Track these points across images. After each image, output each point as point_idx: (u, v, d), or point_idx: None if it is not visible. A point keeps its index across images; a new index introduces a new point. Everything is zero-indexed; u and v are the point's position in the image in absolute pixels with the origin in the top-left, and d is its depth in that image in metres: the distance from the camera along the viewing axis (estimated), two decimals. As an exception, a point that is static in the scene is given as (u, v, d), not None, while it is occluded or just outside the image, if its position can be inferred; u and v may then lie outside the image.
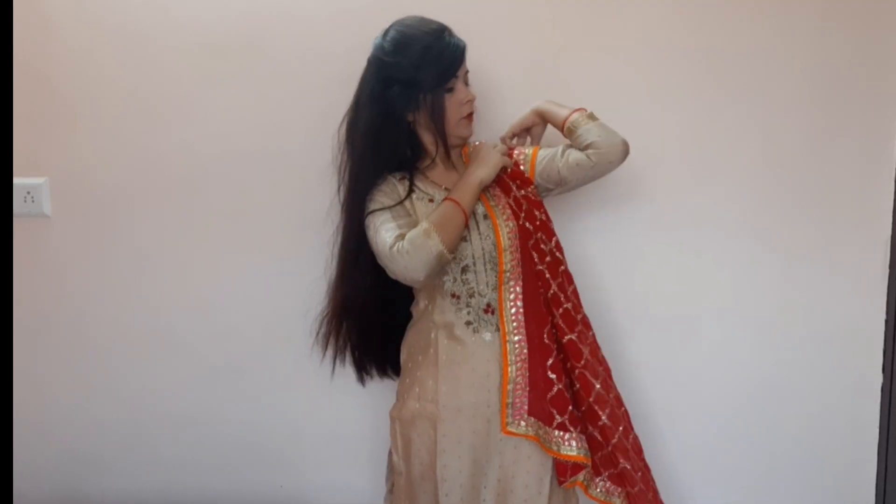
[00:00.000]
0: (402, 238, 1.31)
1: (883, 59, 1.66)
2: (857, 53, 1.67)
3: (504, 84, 1.69)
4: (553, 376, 1.39)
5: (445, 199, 1.37)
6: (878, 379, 1.78)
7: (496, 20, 1.68)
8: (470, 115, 1.43)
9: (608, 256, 1.76)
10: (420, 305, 1.48)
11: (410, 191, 1.43)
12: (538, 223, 1.44)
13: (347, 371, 1.69)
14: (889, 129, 1.69)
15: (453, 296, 1.42)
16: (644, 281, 1.77)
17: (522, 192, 1.45)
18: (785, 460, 1.82)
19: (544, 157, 1.48)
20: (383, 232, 1.35)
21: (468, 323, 1.42)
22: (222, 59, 1.73)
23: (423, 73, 1.35)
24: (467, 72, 1.42)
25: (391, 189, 1.43)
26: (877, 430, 1.80)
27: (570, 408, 1.39)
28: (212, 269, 1.82)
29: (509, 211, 1.43)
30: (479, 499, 1.43)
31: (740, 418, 1.81)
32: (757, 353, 1.79)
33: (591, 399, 1.41)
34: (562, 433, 1.38)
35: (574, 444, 1.38)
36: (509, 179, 1.46)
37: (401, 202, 1.41)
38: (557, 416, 1.38)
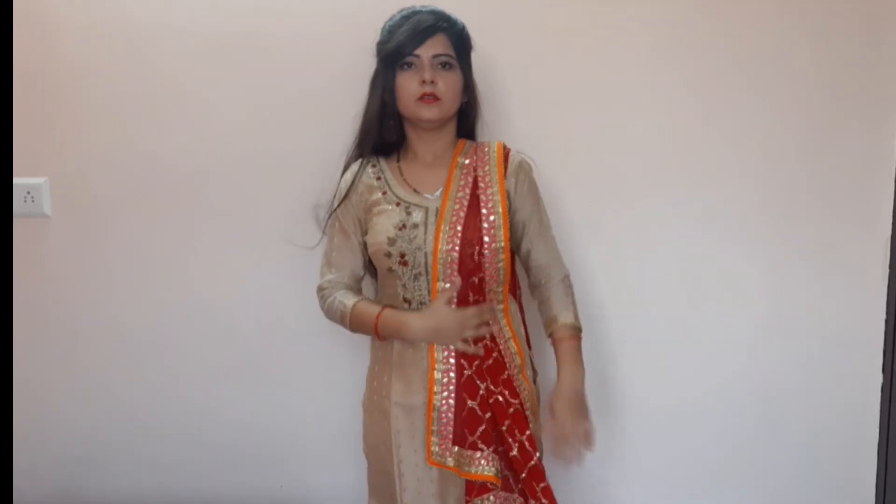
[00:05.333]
0: (331, 291, 1.45)
1: (883, 60, 1.66)
2: (858, 53, 1.66)
3: (503, 84, 1.69)
4: (465, 395, 1.38)
5: (378, 314, 1.39)
6: (878, 379, 1.78)
7: (495, 19, 1.67)
8: (428, 98, 1.36)
9: (606, 257, 1.76)
10: (383, 299, 1.48)
11: (383, 191, 1.43)
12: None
13: (347, 371, 1.70)
14: (889, 129, 1.69)
15: (405, 300, 1.42)
16: (643, 281, 1.77)
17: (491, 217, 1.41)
18: (785, 460, 1.82)
19: (517, 222, 1.47)
20: (324, 263, 1.48)
21: None
22: (222, 59, 1.73)
23: (383, 49, 1.39)
24: (438, 56, 1.37)
25: (350, 176, 1.46)
26: (877, 430, 1.80)
27: (482, 427, 1.37)
28: (212, 269, 1.82)
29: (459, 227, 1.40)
30: (437, 493, 1.42)
31: (740, 419, 1.81)
32: (757, 354, 1.78)
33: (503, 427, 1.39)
34: (472, 452, 1.36)
35: (484, 462, 1.36)
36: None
37: (343, 199, 1.45)
38: (469, 436, 1.37)
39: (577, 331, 1.45)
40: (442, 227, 1.38)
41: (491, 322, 1.40)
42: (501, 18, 1.68)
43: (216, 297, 1.83)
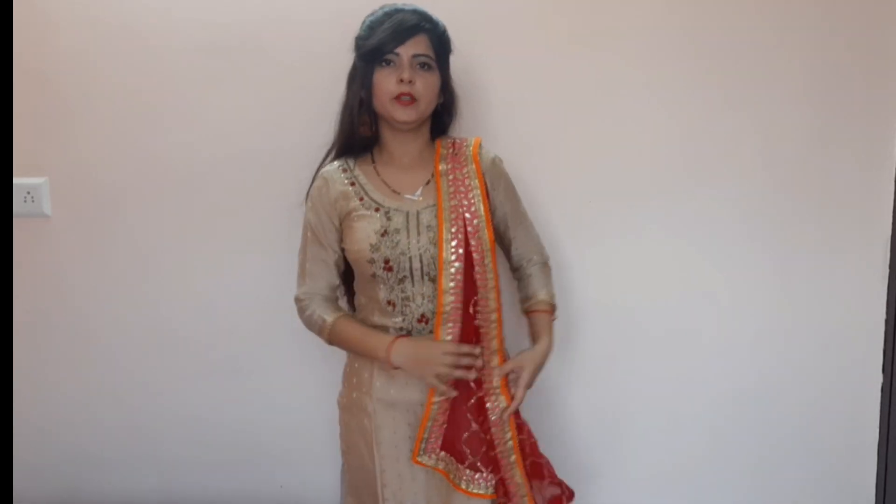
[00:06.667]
0: (308, 303, 1.45)
1: (883, 60, 1.66)
2: (858, 53, 1.66)
3: (499, 84, 1.69)
4: (470, 416, 1.38)
5: (370, 338, 1.39)
6: (878, 379, 1.78)
7: (491, 19, 1.68)
8: (403, 99, 1.35)
9: (605, 257, 1.76)
10: (361, 301, 1.48)
11: (360, 197, 1.41)
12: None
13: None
14: (889, 129, 1.68)
15: (389, 303, 1.41)
16: (641, 281, 1.76)
17: (476, 221, 1.40)
18: (785, 460, 1.82)
19: (500, 214, 1.50)
20: (299, 273, 1.48)
21: (401, 328, 1.41)
22: (222, 59, 1.73)
23: (363, 46, 1.37)
24: (418, 56, 1.35)
25: (332, 180, 1.43)
26: (877, 430, 1.80)
27: (484, 448, 1.38)
28: (211, 269, 1.82)
29: (460, 236, 1.38)
30: (420, 489, 1.43)
31: (740, 418, 1.81)
32: (757, 354, 1.78)
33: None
34: (472, 472, 1.39)
35: (482, 483, 1.38)
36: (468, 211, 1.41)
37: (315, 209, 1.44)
38: (470, 456, 1.38)
39: (552, 307, 1.52)
40: (444, 235, 1.37)
41: (476, 368, 1.37)
42: (496, 18, 1.68)
43: (216, 296, 1.83)
